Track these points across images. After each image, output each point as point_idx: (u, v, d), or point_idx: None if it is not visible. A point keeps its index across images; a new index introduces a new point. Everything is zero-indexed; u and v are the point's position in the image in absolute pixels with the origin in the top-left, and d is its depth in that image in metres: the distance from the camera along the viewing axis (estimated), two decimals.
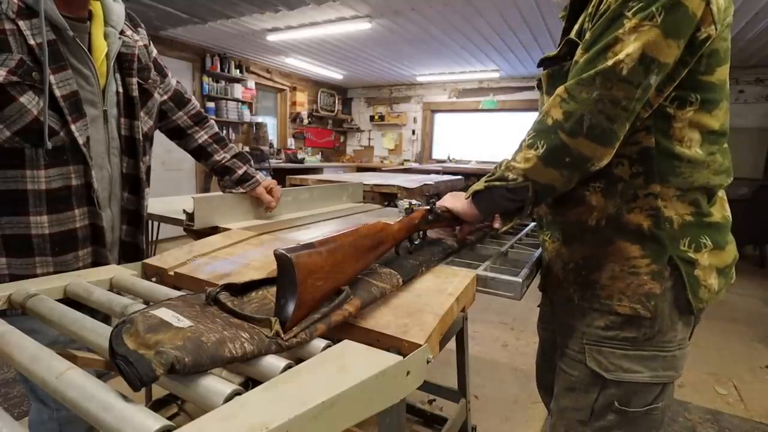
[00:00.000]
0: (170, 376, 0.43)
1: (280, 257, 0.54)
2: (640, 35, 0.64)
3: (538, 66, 0.84)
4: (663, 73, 0.67)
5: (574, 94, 0.68)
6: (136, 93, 0.99)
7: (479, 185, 0.83)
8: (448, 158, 7.17)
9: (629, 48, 0.65)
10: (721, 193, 0.81)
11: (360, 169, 6.68)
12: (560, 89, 0.70)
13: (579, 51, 0.72)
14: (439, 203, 0.94)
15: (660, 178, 0.75)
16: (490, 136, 6.99)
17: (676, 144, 0.74)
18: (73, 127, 0.86)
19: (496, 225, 0.87)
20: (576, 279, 0.84)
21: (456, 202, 0.90)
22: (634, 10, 0.65)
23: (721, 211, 0.80)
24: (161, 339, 0.43)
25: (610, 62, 0.65)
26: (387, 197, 2.89)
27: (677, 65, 0.69)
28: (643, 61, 0.65)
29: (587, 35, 0.71)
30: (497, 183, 0.78)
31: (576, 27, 0.79)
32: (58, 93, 0.84)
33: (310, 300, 0.55)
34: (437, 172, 4.92)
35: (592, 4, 0.74)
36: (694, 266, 0.76)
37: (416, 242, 0.88)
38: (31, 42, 0.80)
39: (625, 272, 0.78)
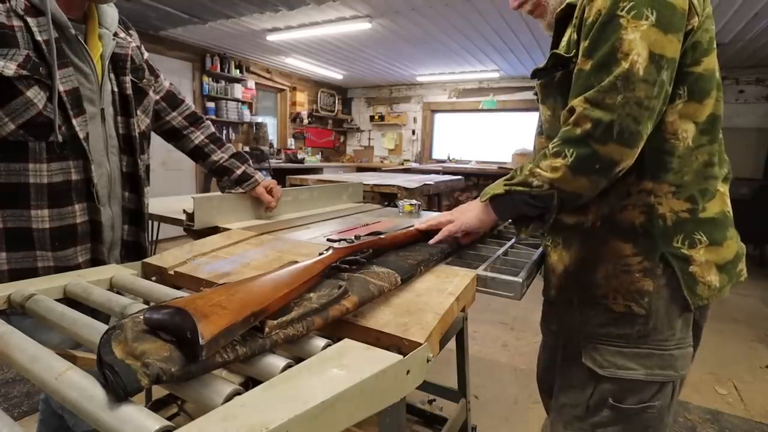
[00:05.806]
0: None
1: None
2: (642, 34, 0.67)
3: (532, 77, 0.86)
4: (672, 69, 0.70)
5: (599, 102, 0.69)
6: (130, 91, 1.00)
7: (497, 188, 0.81)
8: (448, 158, 7.16)
9: (637, 48, 0.66)
10: (722, 188, 0.81)
11: (360, 169, 6.67)
12: (579, 101, 0.71)
13: (580, 58, 0.73)
14: (447, 221, 0.92)
15: (652, 175, 0.76)
16: (490, 136, 6.98)
17: (669, 138, 0.75)
18: (74, 122, 0.87)
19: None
20: (575, 281, 0.85)
21: (468, 215, 0.89)
22: (627, 8, 0.67)
23: (720, 206, 0.80)
24: (147, 349, 0.42)
25: (626, 65, 0.67)
26: (387, 197, 2.89)
27: None
28: (653, 59, 0.67)
29: (585, 42, 0.72)
30: (519, 188, 0.78)
31: (564, 39, 0.80)
32: (61, 88, 0.85)
33: (208, 305, 0.46)
34: (437, 172, 4.92)
35: (575, 15, 0.76)
36: (688, 263, 0.76)
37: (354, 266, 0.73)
38: (38, 38, 0.82)
39: (618, 270, 0.79)
